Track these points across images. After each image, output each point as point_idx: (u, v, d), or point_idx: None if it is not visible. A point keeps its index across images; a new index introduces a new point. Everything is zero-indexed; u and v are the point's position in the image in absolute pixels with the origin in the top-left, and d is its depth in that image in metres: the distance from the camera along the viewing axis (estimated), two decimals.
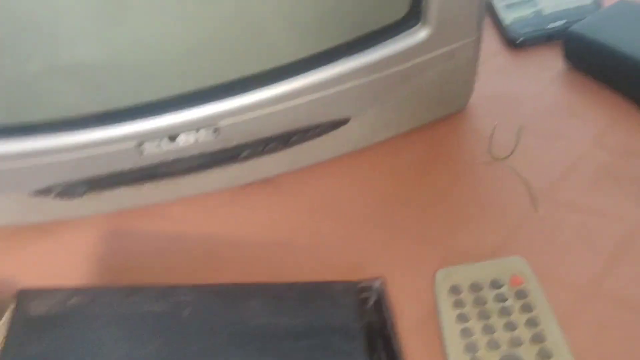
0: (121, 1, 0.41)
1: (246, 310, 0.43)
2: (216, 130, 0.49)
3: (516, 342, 0.39)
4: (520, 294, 0.42)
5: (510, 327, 0.40)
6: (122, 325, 0.42)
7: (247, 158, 0.53)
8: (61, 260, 0.54)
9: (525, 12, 0.68)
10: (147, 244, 0.55)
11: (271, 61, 0.47)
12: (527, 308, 0.41)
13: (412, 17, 0.48)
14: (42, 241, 0.56)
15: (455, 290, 0.43)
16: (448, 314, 0.42)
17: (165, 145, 0.48)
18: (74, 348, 0.41)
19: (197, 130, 0.48)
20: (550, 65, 0.65)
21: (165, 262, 0.53)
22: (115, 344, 0.41)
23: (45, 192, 0.52)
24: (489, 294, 0.43)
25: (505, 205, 0.52)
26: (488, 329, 0.40)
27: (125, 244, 0.55)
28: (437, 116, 0.59)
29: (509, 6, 0.69)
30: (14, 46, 0.42)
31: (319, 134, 0.53)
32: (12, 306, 0.44)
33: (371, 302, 0.45)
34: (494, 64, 0.66)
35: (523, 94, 0.62)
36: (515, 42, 0.67)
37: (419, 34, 0.48)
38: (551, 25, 0.66)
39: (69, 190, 0.52)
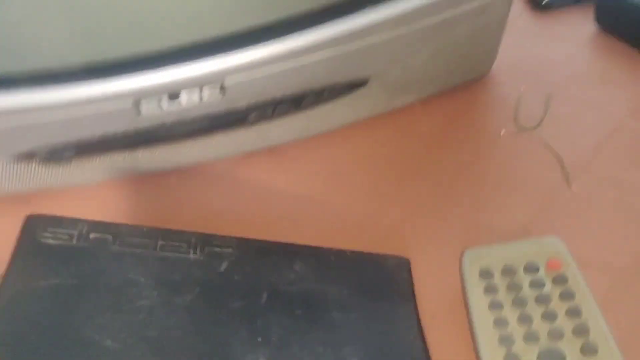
0: None
1: (289, 272, 0.38)
2: (222, 89, 0.43)
3: (557, 335, 0.35)
4: (559, 280, 0.38)
5: (550, 317, 0.36)
6: (154, 269, 0.37)
7: (255, 122, 0.48)
8: None
9: None
10: (141, 215, 0.50)
11: (285, 9, 0.42)
12: (567, 296, 0.37)
13: None
14: (23, 212, 0.51)
15: (486, 274, 0.39)
16: (479, 302, 0.38)
17: (166, 105, 0.43)
18: (98, 286, 0.35)
19: (201, 87, 0.43)
20: (579, 28, 0.60)
21: None
22: (146, 288, 0.36)
23: (27, 156, 0.46)
24: (524, 279, 0.39)
25: (535, 179, 0.48)
26: (525, 319, 0.36)
27: (117, 215, 0.50)
28: (460, 81, 0.54)
29: None
30: None
31: (335, 97, 0.48)
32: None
33: None
34: (518, 26, 0.61)
35: (550, 59, 0.58)
36: (541, 3, 0.62)
37: None
38: None
39: (54, 155, 0.46)
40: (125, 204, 0.51)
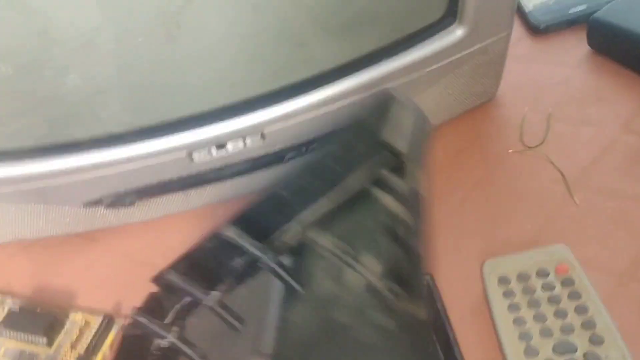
0: (172, 18, 0.43)
1: None
2: (262, 137, 0.50)
3: (568, 329, 0.41)
4: (567, 282, 0.44)
5: (561, 314, 0.42)
6: None
7: (290, 159, 0.54)
8: (112, 266, 0.56)
9: None
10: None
11: (313, 68, 0.49)
12: (574, 295, 0.43)
13: (449, 16, 0.49)
14: (91, 249, 0.58)
15: (503, 281, 0.45)
16: (499, 305, 0.44)
17: (215, 153, 0.50)
18: None
19: (244, 137, 0.50)
20: (574, 50, 0.66)
21: None
22: None
23: (95, 203, 0.53)
24: (537, 283, 0.45)
25: (542, 192, 0.54)
26: (539, 317, 0.42)
27: (172, 247, 0.57)
28: (468, 107, 0.60)
29: None
30: (52, 60, 0.44)
31: None
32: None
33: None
34: (517, 51, 0.67)
35: (549, 81, 0.64)
36: (538, 29, 0.68)
37: (456, 33, 0.50)
38: (573, 10, 0.67)
39: (118, 200, 0.53)
40: (178, 235, 0.57)
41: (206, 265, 0.44)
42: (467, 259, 0.50)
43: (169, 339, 0.42)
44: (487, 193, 0.55)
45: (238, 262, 0.43)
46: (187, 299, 0.43)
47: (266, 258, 0.42)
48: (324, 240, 0.40)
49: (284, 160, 0.54)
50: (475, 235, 0.52)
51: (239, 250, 0.43)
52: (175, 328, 0.43)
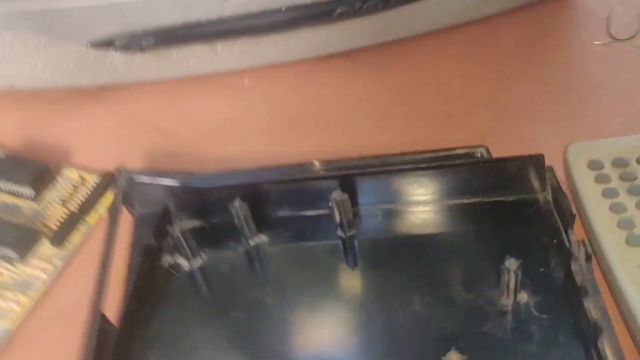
0: None
1: None
2: None
3: None
4: None
5: None
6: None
7: (339, 18, 0.46)
8: (118, 127, 0.48)
9: None
10: (214, 114, 0.48)
11: None
12: None
13: None
14: (96, 107, 0.50)
15: (595, 165, 0.37)
16: (591, 190, 0.36)
17: None
18: None
19: None
20: None
21: (233, 134, 0.47)
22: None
23: (106, 43, 0.45)
24: (639, 170, 0.36)
25: (635, 85, 0.45)
26: None
27: (190, 113, 0.49)
28: None
29: None
30: None
31: None
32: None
33: None
34: None
35: None
36: None
37: None
38: None
39: (133, 42, 0.45)
40: (196, 102, 0.49)
41: (273, 202, 0.38)
42: (542, 145, 0.41)
43: (191, 266, 0.36)
44: (566, 82, 0.47)
45: (312, 218, 0.38)
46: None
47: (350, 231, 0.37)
48: None
49: (332, 15, 0.45)
50: (551, 123, 0.43)
51: (324, 206, 0.36)
52: (203, 255, 0.37)
